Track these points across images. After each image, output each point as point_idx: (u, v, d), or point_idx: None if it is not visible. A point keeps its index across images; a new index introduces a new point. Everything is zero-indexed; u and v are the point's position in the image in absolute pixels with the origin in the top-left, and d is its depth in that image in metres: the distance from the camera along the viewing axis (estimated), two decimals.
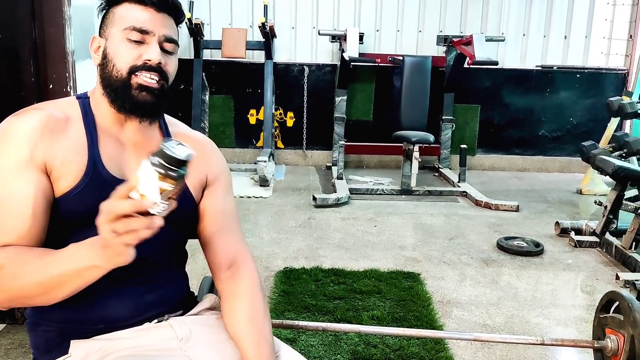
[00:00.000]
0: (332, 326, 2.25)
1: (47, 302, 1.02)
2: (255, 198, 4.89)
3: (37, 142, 1.08)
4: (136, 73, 1.13)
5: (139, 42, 1.13)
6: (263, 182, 5.22)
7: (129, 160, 1.18)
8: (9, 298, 1.02)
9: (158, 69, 1.14)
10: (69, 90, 2.30)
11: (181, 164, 0.88)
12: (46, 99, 2.26)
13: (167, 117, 1.31)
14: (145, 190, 0.87)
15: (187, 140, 1.27)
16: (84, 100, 1.20)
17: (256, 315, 1.23)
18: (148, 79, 1.13)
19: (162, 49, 1.15)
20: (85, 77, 2.39)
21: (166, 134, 1.27)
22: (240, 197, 4.85)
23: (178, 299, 1.26)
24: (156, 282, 1.20)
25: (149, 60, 1.13)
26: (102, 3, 1.18)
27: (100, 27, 1.18)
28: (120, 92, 1.13)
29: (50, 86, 2.30)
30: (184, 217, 1.25)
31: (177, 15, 1.20)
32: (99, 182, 1.11)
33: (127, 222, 0.86)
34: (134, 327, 1.16)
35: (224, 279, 1.26)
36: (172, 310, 1.23)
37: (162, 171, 0.87)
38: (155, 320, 1.19)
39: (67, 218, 1.10)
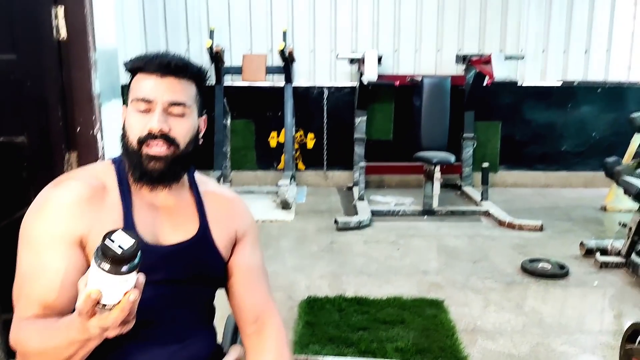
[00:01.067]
0: None
1: None
2: (277, 222, 4.93)
3: (74, 216, 1.11)
4: (146, 143, 1.15)
5: (147, 111, 1.15)
6: (285, 206, 5.26)
7: (162, 225, 1.21)
8: None
9: (163, 137, 1.14)
10: (95, 133, 2.36)
11: (130, 257, 0.86)
12: (73, 143, 2.37)
13: (198, 176, 1.34)
14: (105, 297, 0.87)
15: (216, 198, 1.32)
16: (119, 165, 1.22)
17: None
18: (155, 148, 1.14)
19: (171, 114, 1.16)
20: (110, 119, 2.46)
21: (197, 193, 1.29)
22: (263, 221, 4.88)
23: (206, 355, 1.29)
24: (186, 340, 1.22)
25: (151, 130, 1.14)
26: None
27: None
28: (133, 162, 1.17)
29: (78, 129, 2.36)
30: (214, 277, 1.29)
31: (187, 75, 1.17)
32: None
33: (105, 319, 0.90)
34: None
35: (250, 334, 1.29)
36: None
37: (114, 272, 0.85)
38: None
39: None
